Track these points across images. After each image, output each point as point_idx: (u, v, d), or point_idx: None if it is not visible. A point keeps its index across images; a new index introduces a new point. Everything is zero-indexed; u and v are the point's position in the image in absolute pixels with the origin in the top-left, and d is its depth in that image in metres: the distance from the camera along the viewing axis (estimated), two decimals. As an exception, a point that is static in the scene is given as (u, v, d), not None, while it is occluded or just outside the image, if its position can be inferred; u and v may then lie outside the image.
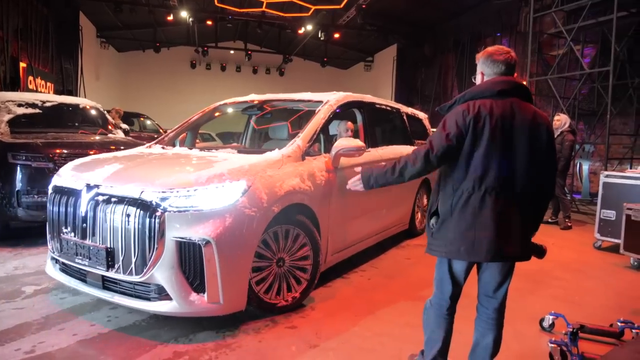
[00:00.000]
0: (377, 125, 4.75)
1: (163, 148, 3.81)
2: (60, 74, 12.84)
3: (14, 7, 10.12)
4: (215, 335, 2.76)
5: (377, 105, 4.79)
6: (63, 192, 2.99)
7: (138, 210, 2.59)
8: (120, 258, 2.64)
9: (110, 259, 2.67)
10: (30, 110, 5.61)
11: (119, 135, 6.30)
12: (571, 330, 2.64)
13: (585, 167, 9.82)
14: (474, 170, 1.93)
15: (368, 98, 4.58)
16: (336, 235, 3.60)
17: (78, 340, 2.64)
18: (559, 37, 9.84)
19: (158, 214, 2.55)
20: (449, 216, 1.99)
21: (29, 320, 2.88)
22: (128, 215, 2.60)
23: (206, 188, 2.65)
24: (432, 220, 2.08)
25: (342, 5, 13.52)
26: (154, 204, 2.59)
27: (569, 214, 6.64)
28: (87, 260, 2.77)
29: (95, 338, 2.68)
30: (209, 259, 2.56)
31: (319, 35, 15.87)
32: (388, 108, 5.13)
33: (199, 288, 2.62)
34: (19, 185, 4.52)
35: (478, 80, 2.12)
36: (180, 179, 2.69)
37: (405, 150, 4.65)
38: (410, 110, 5.78)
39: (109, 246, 2.67)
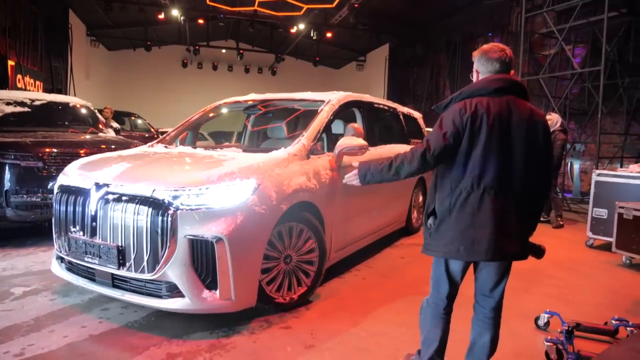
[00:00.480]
0: (376, 125, 4.80)
1: (166, 147, 3.83)
2: (49, 72, 12.67)
3: (2, 5, 9.95)
4: (209, 336, 2.72)
5: (375, 105, 4.87)
6: (70, 191, 2.98)
7: (150, 208, 2.61)
8: (132, 256, 2.65)
9: (121, 257, 2.68)
10: (19, 109, 5.53)
11: (110, 134, 6.23)
12: (566, 328, 2.65)
13: (576, 166, 9.90)
14: (472, 169, 1.92)
15: (367, 97, 4.65)
16: (339, 233, 3.65)
17: (69, 343, 2.59)
18: (550, 37, 9.90)
19: (170, 212, 2.58)
20: (448, 216, 1.97)
21: (18, 322, 2.83)
22: (139, 214, 2.62)
23: (218, 186, 2.68)
24: (430, 220, 2.05)
25: (334, 5, 13.50)
26: (166, 202, 2.61)
27: (561, 212, 6.68)
28: (97, 258, 2.77)
29: (86, 340, 2.63)
30: (221, 256, 2.60)
31: (312, 35, 15.82)
32: (385, 107, 5.20)
33: (211, 285, 2.65)
34: (7, 184, 4.45)
35: (474, 78, 2.11)
36: (192, 177, 2.72)
37: (402, 149, 4.64)
38: (406, 109, 5.84)
39: (120, 244, 2.68)
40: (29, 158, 4.56)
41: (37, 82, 11.52)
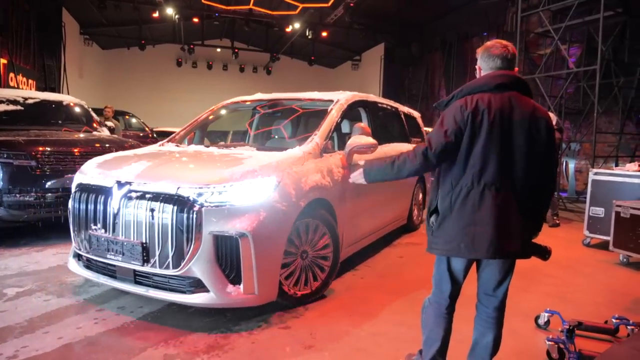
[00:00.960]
0: (380, 124, 4.87)
1: (177, 146, 3.89)
2: (42, 71, 12.53)
3: (-6, 3, 9.84)
4: (207, 337, 2.68)
5: (379, 105, 5.00)
6: (90, 189, 3.01)
7: (175, 206, 2.66)
8: (157, 253, 2.69)
9: (145, 253, 2.72)
10: (11, 107, 5.45)
11: (104, 133, 6.15)
12: (568, 327, 2.63)
13: (571, 165, 9.94)
14: (473, 166, 1.90)
15: (372, 97, 4.76)
16: (350, 229, 3.76)
17: (64, 344, 2.54)
18: (545, 37, 9.93)
19: (195, 209, 2.63)
20: (449, 213, 1.95)
21: (12, 323, 2.77)
22: (164, 211, 2.67)
23: (241, 184, 2.75)
24: (432, 218, 2.03)
25: (329, 4, 13.47)
26: (191, 199, 2.66)
27: (557, 211, 6.70)
28: (121, 255, 2.81)
29: (82, 341, 2.58)
30: (245, 252, 2.67)
31: (307, 34, 15.76)
32: (388, 107, 5.32)
33: (235, 280, 2.72)
34: (0, 183, 4.37)
35: (477, 75, 2.08)
36: (216, 175, 2.78)
37: (405, 148, 4.84)
38: (406, 109, 5.96)
39: (144, 241, 2.71)
40: (22, 157, 4.49)
41: (30, 81, 11.40)
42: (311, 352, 2.55)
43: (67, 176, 4.67)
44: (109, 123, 6.86)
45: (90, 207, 2.94)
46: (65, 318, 2.87)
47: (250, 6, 14.16)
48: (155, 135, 12.00)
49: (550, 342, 2.54)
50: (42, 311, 2.97)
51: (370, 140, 3.48)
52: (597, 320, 2.91)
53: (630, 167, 5.27)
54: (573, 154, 10.04)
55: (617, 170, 5.35)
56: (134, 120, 12.86)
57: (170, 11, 14.27)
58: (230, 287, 2.70)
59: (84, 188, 3.07)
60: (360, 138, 3.49)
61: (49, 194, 4.57)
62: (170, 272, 2.68)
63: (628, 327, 2.82)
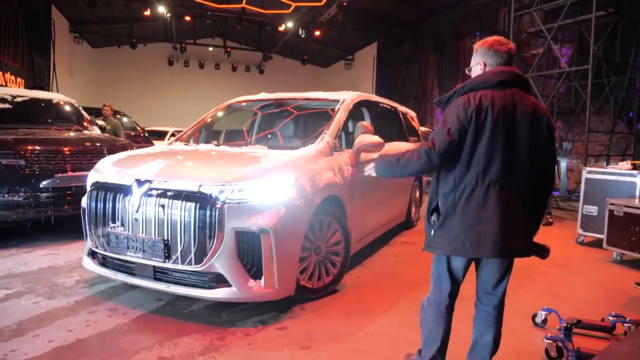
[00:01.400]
0: (381, 123, 4.92)
1: (186, 145, 3.91)
2: (31, 69, 12.34)
3: (-19, -1, 9.68)
4: (202, 338, 2.63)
5: (381, 104, 5.08)
6: (108, 188, 3.02)
7: (197, 203, 2.69)
8: (179, 249, 2.72)
9: (167, 250, 2.75)
10: (-1, 105, 5.34)
11: (96, 131, 6.06)
12: (566, 325, 2.62)
13: (563, 164, 10.00)
14: (477, 163, 1.87)
15: (374, 97, 4.86)
16: (358, 225, 3.84)
17: (54, 347, 2.47)
18: (537, 37, 9.98)
19: (218, 206, 2.68)
20: (452, 212, 1.91)
21: (0, 327, 2.70)
22: (186, 209, 2.70)
23: (262, 181, 2.81)
24: (433, 217, 1.99)
25: (322, 3, 13.44)
26: (214, 197, 2.71)
27: (550, 210, 6.73)
28: (141, 252, 2.83)
29: (73, 344, 2.52)
30: (266, 247, 2.74)
31: (300, 33, 15.72)
32: (389, 107, 5.41)
33: (256, 274, 2.79)
34: (-12, 183, 4.28)
35: (478, 70, 2.04)
36: (237, 172, 2.82)
37: (404, 146, 4.96)
38: (404, 108, 6.04)
39: (165, 238, 2.74)
40: (10, 156, 4.41)
41: (19, 79, 11.24)
42: (309, 353, 2.51)
43: (57, 175, 4.59)
44: (100, 122, 6.74)
45: (109, 205, 2.95)
46: (56, 320, 2.81)
47: (243, 5, 14.08)
48: (146, 134, 11.87)
49: (548, 341, 2.53)
50: (31, 314, 2.90)
51: (378, 139, 3.55)
52: (594, 318, 2.91)
53: (623, 166, 5.30)
54: (565, 153, 10.11)
55: (610, 169, 5.38)
56: (125, 119, 12.70)
57: (162, 9, 14.15)
58: (252, 282, 2.77)
59: (100, 186, 3.06)
60: (367, 137, 3.56)
61: (39, 194, 4.49)
62: (193, 268, 2.72)
63: (625, 324, 2.81)
